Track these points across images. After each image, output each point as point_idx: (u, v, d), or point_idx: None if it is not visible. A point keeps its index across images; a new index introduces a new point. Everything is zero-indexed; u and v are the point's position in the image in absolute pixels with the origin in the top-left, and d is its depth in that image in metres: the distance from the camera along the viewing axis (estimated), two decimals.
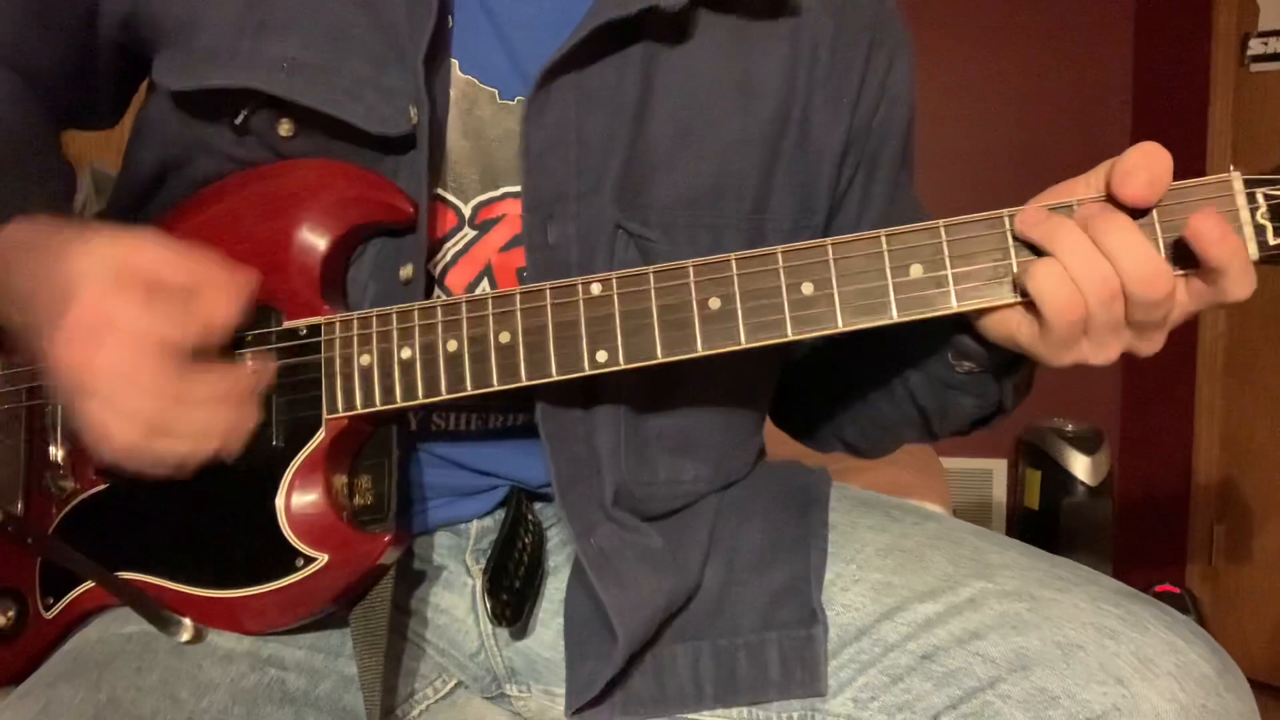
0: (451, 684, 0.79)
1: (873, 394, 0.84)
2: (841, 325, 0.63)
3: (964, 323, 0.69)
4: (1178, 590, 2.41)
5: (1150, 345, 0.62)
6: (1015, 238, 0.62)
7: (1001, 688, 0.64)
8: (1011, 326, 0.64)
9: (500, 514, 0.79)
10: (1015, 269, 0.62)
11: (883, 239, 0.63)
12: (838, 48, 0.78)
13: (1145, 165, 0.60)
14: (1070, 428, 2.62)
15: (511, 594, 0.74)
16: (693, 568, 0.75)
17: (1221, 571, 2.51)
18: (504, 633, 0.77)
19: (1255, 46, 2.40)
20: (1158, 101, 2.79)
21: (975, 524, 0.78)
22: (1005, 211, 0.63)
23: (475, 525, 0.80)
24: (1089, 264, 0.59)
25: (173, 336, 0.62)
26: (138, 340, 0.61)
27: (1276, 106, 2.38)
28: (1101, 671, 0.62)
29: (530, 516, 0.79)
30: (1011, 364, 0.73)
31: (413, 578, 0.78)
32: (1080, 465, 2.60)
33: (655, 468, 0.77)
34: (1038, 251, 0.62)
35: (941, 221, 0.63)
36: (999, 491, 2.82)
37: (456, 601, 0.79)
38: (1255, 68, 2.41)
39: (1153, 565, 2.63)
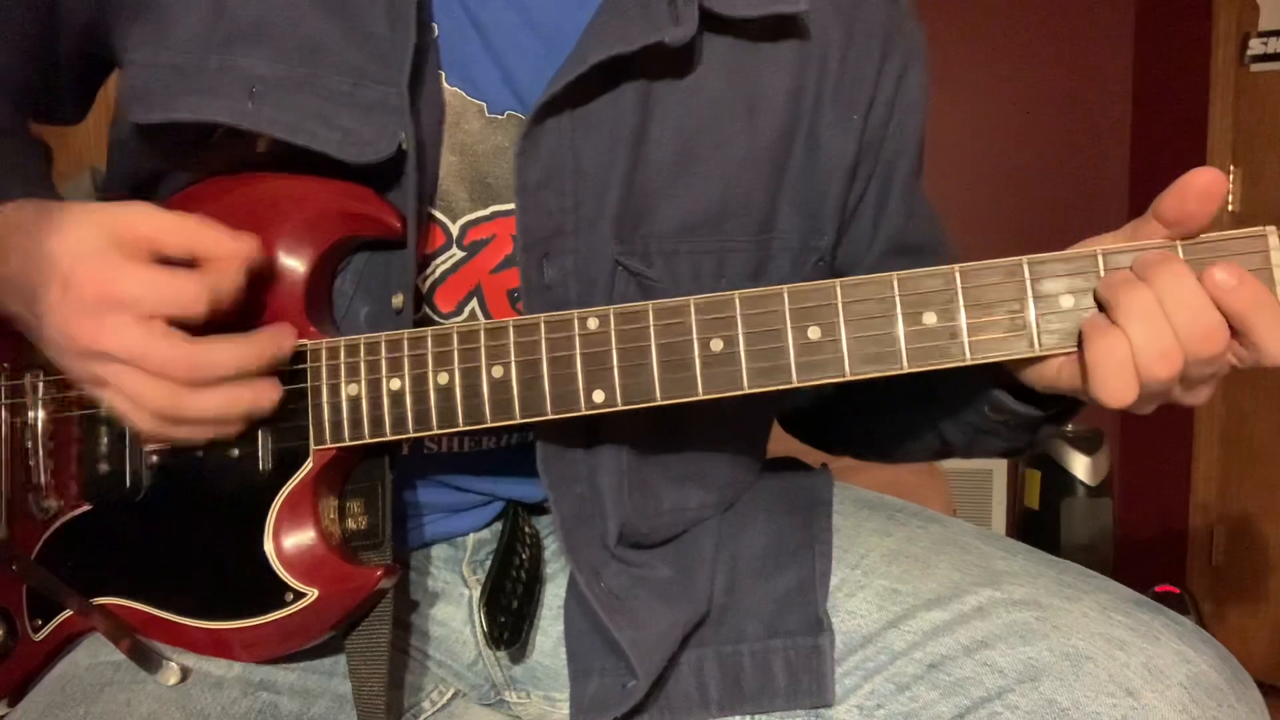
0: (449, 694, 0.78)
1: (900, 430, 0.83)
2: (849, 374, 0.61)
3: (1000, 369, 0.67)
4: (1178, 590, 2.41)
5: (1195, 398, 0.60)
6: (1034, 290, 0.59)
7: (1010, 698, 0.63)
8: (1050, 377, 0.62)
9: (497, 526, 0.79)
10: (1036, 320, 0.59)
11: (894, 282, 0.60)
12: (848, 58, 0.76)
13: (1181, 183, 0.57)
14: (1070, 428, 2.61)
15: (509, 616, 0.73)
16: (702, 593, 0.74)
17: (1221, 572, 2.51)
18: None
19: (1255, 46, 2.40)
20: (1158, 101, 2.79)
21: (975, 524, 0.78)
22: (1025, 258, 0.59)
23: (472, 538, 0.79)
24: (1155, 337, 0.56)
25: (182, 312, 0.59)
26: (145, 320, 0.59)
27: (1276, 106, 2.38)
28: (1111, 683, 0.61)
29: (527, 529, 0.78)
30: (1047, 419, 0.70)
31: (408, 591, 0.77)
32: (1080, 465, 2.60)
33: (659, 499, 0.75)
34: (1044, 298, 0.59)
35: (957, 267, 0.60)
36: (999, 491, 2.82)
37: (453, 613, 0.78)
38: (1255, 68, 2.41)
39: (1153, 565, 2.63)
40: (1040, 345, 0.60)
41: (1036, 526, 2.65)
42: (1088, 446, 2.60)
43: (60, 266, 0.59)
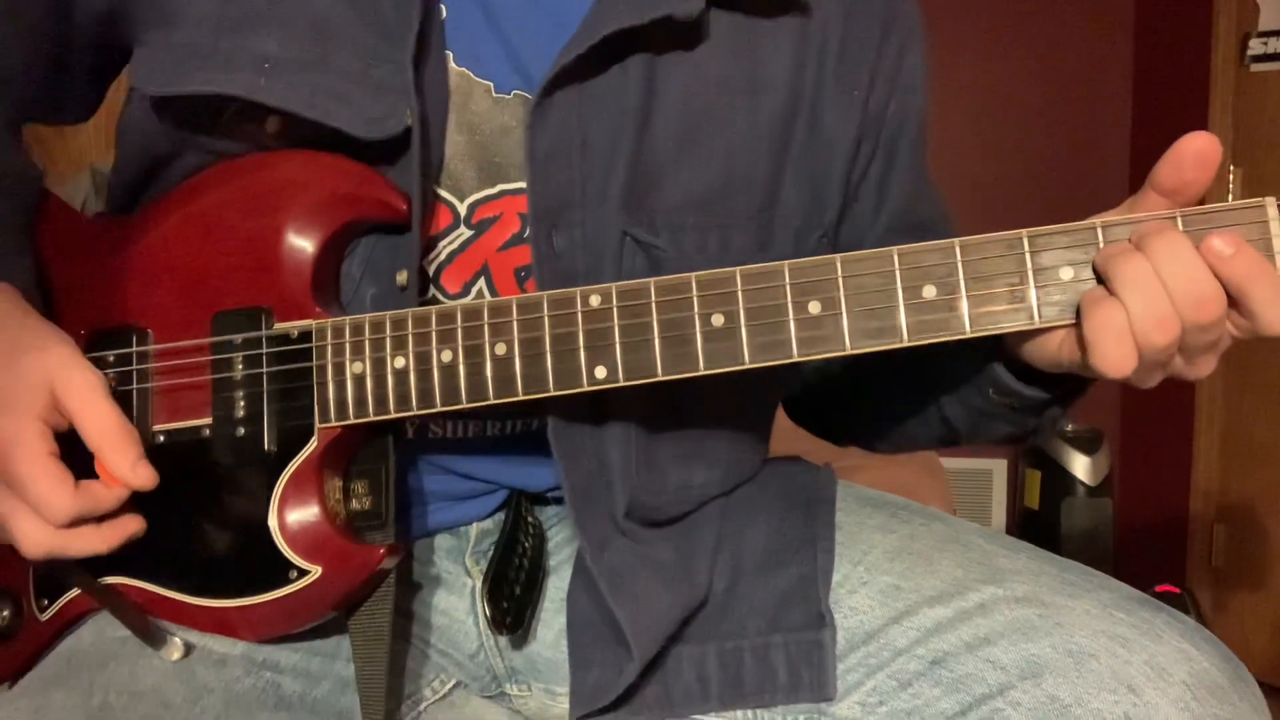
0: (450, 684, 0.78)
1: (904, 413, 0.83)
2: (850, 348, 0.61)
3: (1004, 351, 0.67)
4: (1178, 590, 2.41)
5: (1197, 371, 0.60)
6: (1034, 263, 0.59)
7: (1012, 695, 0.63)
8: (1051, 352, 0.62)
9: (500, 516, 0.79)
10: (1036, 293, 0.59)
11: (895, 257, 0.61)
12: (848, 38, 0.77)
13: (1176, 149, 0.57)
14: (1070, 428, 2.62)
15: (512, 601, 0.73)
16: (701, 580, 0.74)
17: (1221, 571, 2.51)
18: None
19: (1255, 46, 2.40)
20: (1158, 101, 2.79)
21: (975, 524, 0.78)
22: (1025, 232, 0.59)
23: (475, 527, 0.79)
24: (1151, 305, 0.56)
25: (43, 516, 0.64)
26: (24, 504, 0.64)
27: (1276, 106, 2.38)
28: (1113, 680, 0.61)
29: (530, 519, 0.78)
30: (1053, 400, 0.70)
31: (411, 579, 0.77)
32: (1080, 465, 2.60)
33: (665, 476, 0.76)
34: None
35: (957, 241, 0.60)
36: (999, 491, 2.82)
37: (456, 603, 0.78)
38: (1255, 68, 2.41)
39: (1153, 565, 2.63)
40: (1040, 317, 0.60)
41: (1036, 526, 2.65)
42: (1088, 446, 2.60)
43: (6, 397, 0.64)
